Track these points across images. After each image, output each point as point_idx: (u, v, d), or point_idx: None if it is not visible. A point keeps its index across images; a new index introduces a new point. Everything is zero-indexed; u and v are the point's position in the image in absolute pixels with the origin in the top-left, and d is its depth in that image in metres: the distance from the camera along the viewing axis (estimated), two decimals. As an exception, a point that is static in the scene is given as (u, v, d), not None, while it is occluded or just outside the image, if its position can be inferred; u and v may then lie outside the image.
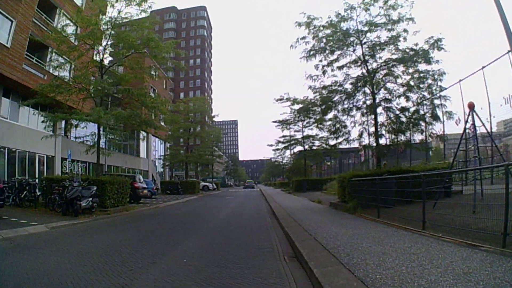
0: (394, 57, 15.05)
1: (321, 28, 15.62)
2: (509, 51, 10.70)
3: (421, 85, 14.66)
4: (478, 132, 11.05)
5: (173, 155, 44.77)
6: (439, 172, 10.94)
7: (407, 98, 14.85)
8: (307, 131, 38.72)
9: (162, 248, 7.39)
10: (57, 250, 7.35)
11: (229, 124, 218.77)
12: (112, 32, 17.84)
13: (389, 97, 15.36)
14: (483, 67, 11.86)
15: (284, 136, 42.71)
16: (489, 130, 11.33)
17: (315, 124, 26.72)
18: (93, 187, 14.32)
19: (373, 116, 15.35)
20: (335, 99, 16.01)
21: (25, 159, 22.69)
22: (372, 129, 15.49)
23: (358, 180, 12.56)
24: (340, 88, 16.01)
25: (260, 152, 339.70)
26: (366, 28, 15.21)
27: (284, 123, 40.95)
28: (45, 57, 22.57)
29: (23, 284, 4.85)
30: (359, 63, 15.45)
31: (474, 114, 11.05)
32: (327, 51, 15.50)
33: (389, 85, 15.39)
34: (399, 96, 15.02)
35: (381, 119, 15.42)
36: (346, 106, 15.90)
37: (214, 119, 61.83)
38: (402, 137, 15.12)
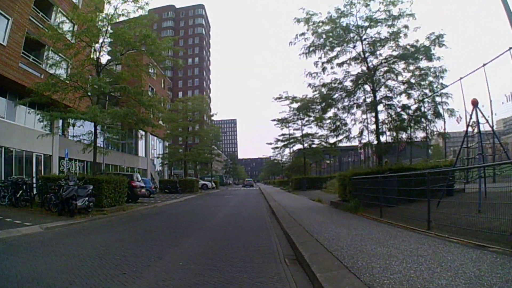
0: (394, 53, 14.83)
1: (320, 24, 15.37)
2: (510, 48, 10.52)
3: (422, 83, 14.47)
4: (481, 129, 10.87)
5: (172, 153, 44.53)
6: (445, 169, 10.69)
7: (409, 95, 14.64)
8: (306, 130, 38.69)
9: (158, 249, 7.13)
10: (49, 252, 7.09)
11: (228, 123, 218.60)
12: (109, 29, 17.56)
13: (390, 94, 15.14)
14: (484, 65, 11.69)
15: (283, 135, 42.55)
16: (489, 129, 11.15)
17: (315, 122, 26.44)
18: (89, 186, 14.04)
19: (373, 114, 15.14)
20: (335, 96, 15.76)
21: (22, 159, 22.50)
22: (373, 126, 15.30)
23: (359, 179, 12.32)
24: (340, 86, 15.76)
25: (259, 151, 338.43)
26: (366, 24, 14.95)
27: (283, 122, 40.75)
28: (42, 55, 22.33)
29: (8, 289, 4.60)
30: (359, 60, 15.20)
31: (478, 110, 10.85)
32: (326, 48, 15.24)
33: (389, 82, 15.20)
34: (400, 94, 14.79)
35: (382, 116, 15.23)
36: (346, 103, 15.66)
37: (213, 118, 61.61)
38: (404, 135, 14.91)
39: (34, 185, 16.89)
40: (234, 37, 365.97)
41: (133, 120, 18.16)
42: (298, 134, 40.21)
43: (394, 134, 14.91)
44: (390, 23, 14.75)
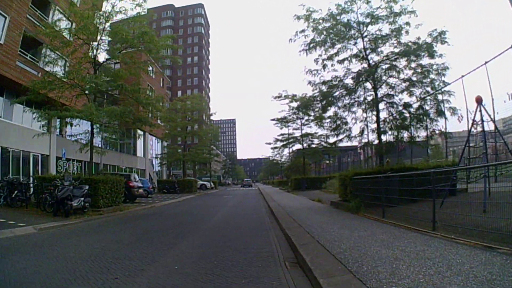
0: (396, 50, 14.63)
1: (321, 21, 15.15)
2: (512, 45, 10.28)
3: (424, 80, 14.26)
4: (485, 127, 10.65)
5: (170, 153, 44.27)
6: (450, 169, 10.45)
7: (411, 93, 14.41)
8: (306, 129, 38.40)
9: (153, 252, 6.85)
10: (40, 254, 6.85)
11: (227, 123, 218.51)
12: (106, 26, 17.31)
13: (392, 92, 14.93)
14: (486, 62, 11.48)
15: (282, 134, 42.26)
16: (493, 127, 10.93)
17: (315, 122, 26.25)
18: (85, 186, 13.77)
19: (374, 112, 14.92)
20: (335, 94, 15.52)
21: (19, 159, 22.26)
22: (374, 125, 15.08)
23: (360, 178, 12.07)
24: (340, 84, 15.54)
25: (259, 151, 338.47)
26: (367, 20, 14.72)
27: (282, 121, 40.52)
28: (39, 54, 22.05)
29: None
30: (360, 57, 14.97)
31: (482, 108, 10.62)
32: (327, 44, 15.01)
33: (391, 80, 14.99)
34: (402, 91, 14.57)
35: (383, 115, 15.02)
36: (347, 101, 15.42)
37: (212, 117, 61.42)
38: (405, 134, 14.71)
39: (31, 185, 16.62)
40: (233, 36, 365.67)
41: (130, 119, 17.90)
42: (297, 134, 39.96)
43: (396, 133, 14.69)
44: (391, 19, 14.54)
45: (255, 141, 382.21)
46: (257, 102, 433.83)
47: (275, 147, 44.86)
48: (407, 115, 14.47)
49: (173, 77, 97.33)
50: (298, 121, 38.59)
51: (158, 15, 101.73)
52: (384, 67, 14.89)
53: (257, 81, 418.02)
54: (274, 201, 20.52)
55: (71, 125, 18.43)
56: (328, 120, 17.19)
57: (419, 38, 14.23)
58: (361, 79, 15.00)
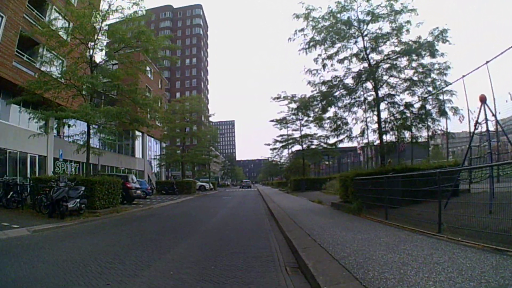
0: (397, 49, 14.41)
1: (320, 19, 14.93)
2: (514, 45, 10.10)
3: (425, 80, 14.05)
4: (489, 126, 10.46)
5: (169, 154, 44.03)
6: (456, 169, 10.21)
7: (413, 93, 14.19)
8: (305, 130, 38.27)
9: (149, 256, 6.58)
10: (32, 257, 6.58)
11: (226, 124, 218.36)
12: (103, 25, 17.03)
13: (393, 92, 14.71)
14: (487, 62, 11.31)
15: (281, 135, 42.06)
16: (493, 128, 10.75)
17: (314, 123, 26.06)
18: (80, 188, 13.50)
19: (375, 112, 14.70)
20: (336, 94, 15.29)
21: (16, 160, 22.12)
22: (375, 126, 14.86)
23: (362, 179, 11.81)
24: (340, 84, 15.32)
25: (258, 152, 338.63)
26: (368, 18, 14.50)
27: (281, 122, 40.32)
28: (36, 54, 21.84)
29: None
30: (361, 56, 14.74)
31: (486, 107, 10.42)
32: (327, 43, 14.78)
33: (392, 79, 14.77)
34: (404, 91, 14.35)
35: (384, 115, 14.80)
36: (348, 101, 15.18)
37: (210, 119, 61.15)
38: (407, 134, 14.49)
39: (28, 186, 16.38)
40: (232, 38, 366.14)
41: (127, 120, 17.60)
42: (296, 135, 39.77)
43: (397, 133, 14.47)
44: (392, 18, 14.33)
45: (254, 143, 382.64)
46: (256, 103, 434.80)
47: (274, 148, 44.70)
48: (409, 115, 14.25)
49: (171, 79, 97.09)
50: (298, 122, 38.52)
51: (156, 16, 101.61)
52: (385, 66, 14.67)
53: (256, 82, 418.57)
54: (274, 202, 20.27)
55: (69, 126, 18.17)
56: (328, 121, 16.98)
57: (420, 37, 14.02)
58: (361, 78, 14.77)
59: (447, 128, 14.38)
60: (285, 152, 46.31)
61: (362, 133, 15.25)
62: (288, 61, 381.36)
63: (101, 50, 17.58)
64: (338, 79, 15.25)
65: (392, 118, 14.61)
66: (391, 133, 14.56)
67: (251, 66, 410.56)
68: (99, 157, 20.45)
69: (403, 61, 14.40)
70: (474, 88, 13.55)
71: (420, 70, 14.13)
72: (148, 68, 22.12)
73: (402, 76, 14.52)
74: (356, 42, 14.86)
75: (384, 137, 14.58)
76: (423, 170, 11.41)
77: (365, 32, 14.79)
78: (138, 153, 42.64)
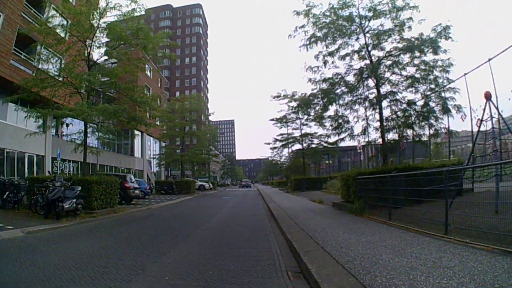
0: (399, 46, 14.17)
1: (321, 16, 14.68)
2: (517, 42, 9.85)
3: (429, 77, 13.81)
4: (494, 124, 10.22)
5: (168, 154, 43.74)
6: (463, 167, 9.96)
7: (416, 90, 13.94)
8: (305, 129, 38.15)
9: (144, 259, 6.30)
10: (23, 260, 6.34)
11: (226, 123, 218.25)
12: (100, 22, 16.77)
13: (395, 89, 14.47)
14: (489, 59, 11.06)
15: (282, 134, 41.90)
16: (496, 126, 10.51)
17: (315, 121, 25.85)
18: (77, 188, 13.22)
19: (377, 110, 14.47)
20: (337, 91, 15.04)
21: (14, 159, 21.99)
22: (376, 124, 14.63)
23: (364, 179, 11.54)
24: (342, 81, 15.07)
25: (258, 152, 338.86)
26: (370, 14, 14.25)
27: (281, 121, 40.11)
28: (34, 52, 21.64)
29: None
30: (363, 52, 14.49)
31: (491, 104, 10.17)
32: (328, 40, 14.53)
33: (394, 77, 14.52)
34: (407, 88, 14.10)
35: (386, 113, 14.55)
36: (349, 98, 14.93)
37: (210, 118, 60.92)
38: (409, 132, 14.26)
39: (23, 186, 16.13)
40: (231, 37, 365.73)
41: (125, 118, 17.32)
42: (297, 133, 39.70)
43: (399, 131, 14.24)
44: (394, 14, 14.09)
45: (254, 142, 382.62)
46: (256, 103, 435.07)
47: (274, 147, 44.55)
48: (412, 112, 14.01)
49: (171, 78, 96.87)
50: (298, 121, 38.40)
51: (156, 15, 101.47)
52: (387, 63, 14.44)
53: (255, 81, 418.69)
54: (274, 202, 20.02)
55: (67, 125, 17.94)
56: (328, 120, 16.73)
57: (421, 35, 13.79)
58: (363, 75, 14.54)
59: (448, 127, 14.19)
60: (285, 151, 46.22)
61: (364, 131, 15.02)
62: (287, 60, 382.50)
63: (99, 47, 17.33)
64: (340, 76, 15.01)
65: (394, 116, 14.39)
66: (393, 131, 14.30)
67: (250, 66, 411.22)
68: (98, 157, 20.22)
69: (405, 58, 14.19)
70: (476, 86, 13.31)
71: (423, 67, 13.92)
72: (147, 67, 21.81)
73: (404, 73, 14.33)
74: (357, 38, 14.64)
75: (386, 135, 14.36)
76: (426, 169, 11.21)
77: (367, 29, 14.56)
78: (137, 153, 42.39)
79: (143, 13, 17.30)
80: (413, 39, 13.88)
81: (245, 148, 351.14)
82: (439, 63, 13.59)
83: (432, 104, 13.71)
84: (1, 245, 7.90)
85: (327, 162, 44.90)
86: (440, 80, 13.69)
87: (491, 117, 10.10)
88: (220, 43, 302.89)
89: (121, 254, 6.79)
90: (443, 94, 13.64)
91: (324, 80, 15.21)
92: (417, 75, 14.05)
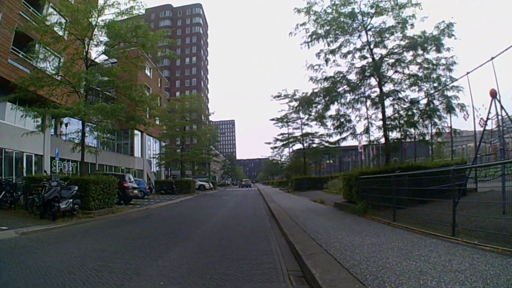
0: (402, 43, 13.96)
1: (322, 12, 14.46)
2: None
3: (432, 75, 13.61)
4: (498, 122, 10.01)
5: (168, 153, 43.50)
6: (473, 166, 9.69)
7: (419, 88, 13.73)
8: (306, 129, 37.93)
9: (139, 263, 6.03)
10: (15, 262, 6.12)
11: (226, 123, 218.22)
12: (99, 20, 16.54)
13: (398, 88, 14.26)
14: (492, 58, 10.86)
15: (282, 134, 41.77)
16: (494, 126, 10.31)
17: (316, 121, 25.66)
18: (73, 187, 12.95)
19: (380, 109, 14.27)
20: (339, 90, 14.83)
21: (12, 159, 21.87)
22: (379, 123, 14.41)
23: (367, 178, 11.28)
24: (344, 80, 14.86)
25: (258, 152, 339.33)
26: (372, 11, 14.02)
27: (282, 120, 39.94)
28: (32, 51, 21.47)
29: None
30: (365, 50, 14.28)
31: (497, 102, 9.94)
32: (330, 37, 14.31)
33: (396, 75, 14.33)
34: (410, 86, 13.89)
35: (389, 112, 14.36)
36: (352, 97, 14.73)
37: (211, 118, 60.75)
38: (413, 131, 14.06)
39: (20, 186, 15.93)
40: (231, 37, 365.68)
41: (123, 117, 17.08)
42: (297, 133, 39.58)
43: (403, 130, 14.02)
44: (396, 12, 13.89)
45: (255, 142, 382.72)
46: (256, 103, 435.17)
47: (275, 147, 44.48)
48: (415, 111, 13.81)
49: (171, 78, 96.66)
50: (299, 121, 38.26)
51: (156, 15, 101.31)
52: (390, 61, 14.24)
53: (256, 81, 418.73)
54: (275, 202, 19.77)
55: (66, 125, 17.73)
56: (330, 119, 16.52)
57: (424, 32, 13.60)
58: (365, 74, 14.33)
59: (451, 126, 13.98)
60: (286, 151, 46.16)
61: (366, 130, 14.82)
62: (287, 60, 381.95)
63: (96, 45, 17.09)
64: (341, 75, 14.83)
65: (397, 115, 14.18)
66: (396, 130, 14.09)
67: (251, 66, 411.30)
68: (97, 156, 20.03)
69: (408, 56, 14.04)
70: (478, 85, 13.12)
71: (426, 65, 13.74)
72: (147, 66, 21.56)
73: (407, 71, 14.16)
74: (359, 36, 14.44)
75: (389, 134, 14.15)
76: (430, 168, 11.01)
77: (369, 27, 14.38)
78: (137, 152, 42.17)
79: (142, 11, 17.10)
80: (416, 37, 13.70)
81: (245, 148, 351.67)
82: (443, 61, 13.43)
83: (436, 102, 13.50)
84: (-6, 246, 7.65)
85: (328, 161, 44.74)
86: (443, 79, 13.56)
87: (497, 115, 9.89)
88: (220, 43, 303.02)
89: (116, 257, 6.53)
90: (446, 93, 13.47)
91: (326, 79, 15.02)
92: (420, 74, 13.90)
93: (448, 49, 13.28)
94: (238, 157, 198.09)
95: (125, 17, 16.84)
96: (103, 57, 18.91)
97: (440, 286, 3.74)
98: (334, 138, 16.19)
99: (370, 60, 14.39)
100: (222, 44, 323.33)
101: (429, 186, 8.75)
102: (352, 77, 14.86)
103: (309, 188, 32.59)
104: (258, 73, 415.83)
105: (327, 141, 35.13)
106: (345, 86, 14.85)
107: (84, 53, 16.85)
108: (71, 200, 12.58)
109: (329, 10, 14.42)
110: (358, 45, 14.58)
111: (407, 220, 8.38)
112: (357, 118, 15.10)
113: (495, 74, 11.20)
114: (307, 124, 37.29)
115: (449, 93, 13.36)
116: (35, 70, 16.58)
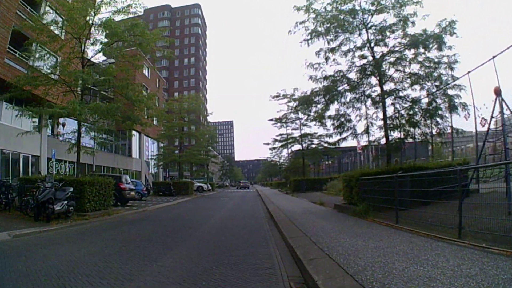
0: (403, 41, 13.76)
1: (322, 10, 14.27)
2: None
3: (433, 74, 13.42)
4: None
5: (166, 154, 43.17)
6: (478, 166, 9.47)
7: (421, 87, 13.54)
8: (305, 129, 37.76)
9: (132, 268, 5.76)
10: (4, 266, 5.92)
11: (224, 124, 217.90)
12: (95, 19, 16.29)
13: (399, 87, 14.06)
14: (493, 57, 10.69)
15: (281, 135, 41.54)
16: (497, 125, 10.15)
17: (316, 120, 25.49)
18: (68, 189, 12.65)
19: (380, 109, 14.05)
20: (339, 89, 14.61)
21: (9, 160, 21.56)
22: (380, 122, 14.20)
23: (368, 179, 11.04)
24: (344, 78, 14.65)
25: (256, 153, 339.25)
26: (373, 8, 13.82)
27: (281, 121, 39.72)
28: (29, 51, 21.22)
29: None
30: (366, 48, 14.07)
31: (501, 100, 9.75)
32: (330, 34, 14.11)
33: (397, 74, 14.14)
34: (412, 84, 13.69)
35: (390, 111, 14.16)
36: (352, 96, 14.53)
37: (209, 119, 60.49)
38: (413, 131, 13.85)
39: (16, 187, 15.67)
40: (230, 38, 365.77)
41: (119, 117, 16.80)
42: (296, 134, 39.38)
43: (404, 130, 13.82)
44: (397, 10, 13.69)
45: (253, 143, 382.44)
46: (254, 103, 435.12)
47: (274, 148, 44.26)
48: (417, 110, 13.61)
49: (169, 79, 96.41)
50: (297, 121, 38.11)
51: (155, 15, 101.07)
52: (391, 60, 14.04)
53: (254, 82, 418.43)
54: (273, 204, 19.52)
55: (64, 125, 17.47)
56: (329, 119, 16.30)
57: (425, 31, 13.42)
58: (366, 72, 14.13)
59: (451, 126, 13.81)
60: (285, 152, 45.94)
61: (367, 130, 14.61)
62: (286, 61, 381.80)
63: (93, 44, 16.80)
64: (342, 73, 14.63)
65: (398, 114, 13.98)
66: (397, 130, 13.87)
67: (249, 66, 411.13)
68: (94, 157, 19.75)
69: (409, 55, 13.88)
70: (480, 84, 12.98)
71: (427, 64, 13.57)
72: (145, 66, 21.31)
73: (408, 70, 13.99)
74: (360, 34, 14.24)
75: (390, 134, 13.95)
76: (431, 169, 10.81)
77: (369, 24, 14.18)
78: (135, 153, 41.81)
79: (140, 10, 16.84)
80: (417, 35, 13.52)
81: (244, 149, 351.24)
82: (444, 59, 13.28)
83: (439, 101, 13.32)
84: (-16, 248, 7.42)
85: (327, 162, 44.57)
86: (445, 78, 13.41)
87: (502, 113, 9.70)
88: (219, 44, 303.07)
89: (109, 261, 6.25)
90: (448, 92, 13.30)
91: (326, 78, 14.84)
92: (421, 72, 13.74)
93: (450, 47, 13.13)
94: (236, 158, 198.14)
95: (122, 15, 16.62)
96: (101, 57, 18.71)
97: (452, 294, 3.50)
98: (334, 138, 15.96)
99: (370, 58, 14.21)
100: (221, 44, 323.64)
101: (432, 187, 8.55)
102: (353, 75, 14.73)
103: (308, 189, 32.39)
104: (257, 74, 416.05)
105: (326, 142, 34.98)
106: (345, 85, 14.67)
107: (81, 52, 16.59)
108: (65, 202, 12.31)
109: (329, 8, 14.28)
110: (359, 43, 14.43)
111: (410, 222, 8.17)
112: (358, 118, 14.94)
113: (496, 73, 11.07)
114: (306, 125, 37.24)
115: (451, 92, 13.22)
116: (30, 68, 16.29)
